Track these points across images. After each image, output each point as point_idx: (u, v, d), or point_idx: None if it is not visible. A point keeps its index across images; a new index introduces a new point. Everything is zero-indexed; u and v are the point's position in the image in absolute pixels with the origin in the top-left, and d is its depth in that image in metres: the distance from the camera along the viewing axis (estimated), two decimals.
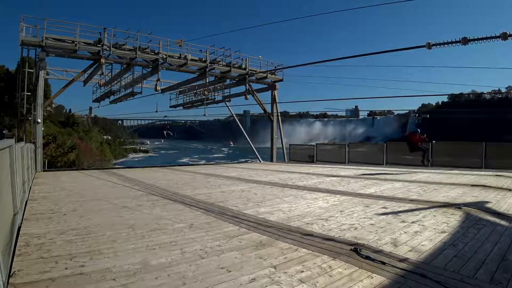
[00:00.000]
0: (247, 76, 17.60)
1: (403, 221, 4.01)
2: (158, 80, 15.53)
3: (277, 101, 19.27)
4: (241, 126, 21.56)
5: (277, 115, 19.28)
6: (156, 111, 22.10)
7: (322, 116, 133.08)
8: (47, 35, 12.14)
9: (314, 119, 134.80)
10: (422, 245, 3.08)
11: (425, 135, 10.62)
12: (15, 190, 3.53)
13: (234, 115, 21.92)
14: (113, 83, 18.36)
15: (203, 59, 15.81)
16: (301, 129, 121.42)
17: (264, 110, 19.61)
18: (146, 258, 2.76)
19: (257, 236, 3.47)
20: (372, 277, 2.37)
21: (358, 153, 16.46)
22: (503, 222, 3.93)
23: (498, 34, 6.30)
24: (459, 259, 2.69)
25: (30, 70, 14.24)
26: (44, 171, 12.28)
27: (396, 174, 10.05)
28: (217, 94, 21.23)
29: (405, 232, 3.52)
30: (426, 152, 10.91)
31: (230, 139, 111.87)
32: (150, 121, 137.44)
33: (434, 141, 10.51)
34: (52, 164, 18.88)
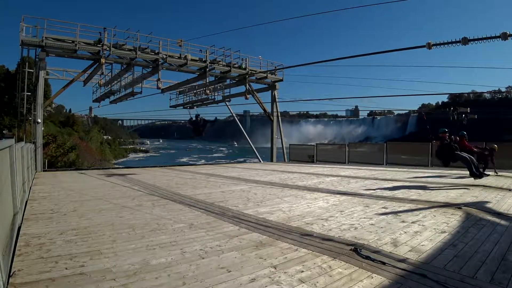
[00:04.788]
0: (247, 76, 17.61)
1: (403, 221, 4.01)
2: (159, 79, 15.54)
3: (277, 101, 19.29)
4: (241, 126, 21.56)
5: (277, 115, 19.29)
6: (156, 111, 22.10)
7: (322, 116, 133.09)
8: (47, 35, 12.15)
9: (307, 119, 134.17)
10: (422, 245, 3.08)
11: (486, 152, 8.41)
12: (15, 190, 3.54)
13: (234, 115, 21.90)
14: (113, 83, 18.33)
15: (203, 59, 15.80)
16: (296, 131, 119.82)
17: (264, 110, 19.63)
18: (146, 258, 2.76)
19: (257, 236, 3.47)
20: (372, 277, 2.36)
21: (358, 153, 16.48)
22: (503, 222, 3.93)
23: (498, 34, 6.30)
24: (459, 259, 2.69)
25: (30, 70, 14.26)
26: (44, 171, 12.28)
27: (396, 174, 10.05)
28: (217, 94, 21.23)
29: (405, 232, 3.52)
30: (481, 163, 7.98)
31: (234, 139, 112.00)
32: (150, 121, 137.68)
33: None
34: (52, 164, 18.89)
